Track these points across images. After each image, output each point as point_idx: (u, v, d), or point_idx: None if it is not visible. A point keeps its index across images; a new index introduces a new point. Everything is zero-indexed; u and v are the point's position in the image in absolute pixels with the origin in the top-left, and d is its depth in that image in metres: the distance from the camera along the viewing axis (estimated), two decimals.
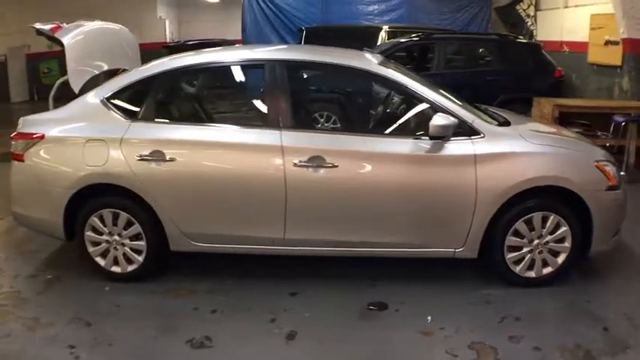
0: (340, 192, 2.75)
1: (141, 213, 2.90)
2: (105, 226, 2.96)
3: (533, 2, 9.17)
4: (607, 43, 6.69)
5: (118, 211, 2.93)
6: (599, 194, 2.72)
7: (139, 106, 2.95)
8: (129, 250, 2.99)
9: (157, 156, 2.79)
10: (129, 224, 2.95)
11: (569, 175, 2.71)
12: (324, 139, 2.80)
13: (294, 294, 2.92)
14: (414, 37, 6.81)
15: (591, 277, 3.01)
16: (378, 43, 8.08)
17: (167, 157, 2.79)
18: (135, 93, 2.99)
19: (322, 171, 2.71)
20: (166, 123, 2.99)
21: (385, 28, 8.65)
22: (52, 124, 3.00)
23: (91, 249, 3.01)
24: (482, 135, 2.73)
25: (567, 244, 2.80)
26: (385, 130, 3.01)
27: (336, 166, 2.70)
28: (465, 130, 2.71)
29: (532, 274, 2.86)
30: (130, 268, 3.02)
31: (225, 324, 2.64)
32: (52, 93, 3.34)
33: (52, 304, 2.87)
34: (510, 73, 6.17)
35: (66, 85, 3.24)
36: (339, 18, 9.51)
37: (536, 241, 2.81)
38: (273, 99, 2.81)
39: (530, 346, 2.41)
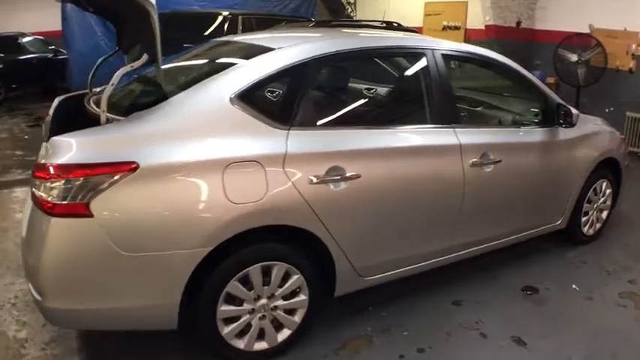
0: (502, 187, 2.75)
1: (302, 258, 2.11)
2: (251, 289, 2.00)
3: None
4: (445, 28, 8.03)
5: (274, 263, 2.02)
6: (623, 160, 3.49)
7: (288, 107, 2.11)
8: (282, 313, 2.12)
9: (337, 174, 2.06)
10: (284, 278, 2.15)
11: (616, 147, 3.40)
12: (489, 135, 2.69)
13: (458, 303, 2.79)
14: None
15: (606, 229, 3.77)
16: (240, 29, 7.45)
17: (350, 175, 2.08)
18: (277, 88, 2.09)
19: (491, 167, 2.58)
20: (333, 128, 2.23)
21: (241, 15, 8.01)
22: (144, 145, 1.83)
23: (225, 330, 2.00)
24: None
25: (609, 202, 3.48)
26: (521, 121, 3.01)
27: (500, 161, 2.60)
28: None
29: (591, 231, 3.48)
30: (282, 337, 2.23)
31: (448, 355, 2.34)
32: (110, 90, 1.91)
33: None
34: None
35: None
36: (172, 4, 8.24)
37: (595, 205, 3.38)
38: (442, 93, 2.45)
39: None
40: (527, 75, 2.96)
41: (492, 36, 6.95)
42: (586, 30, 6.08)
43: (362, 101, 2.60)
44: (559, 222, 3.22)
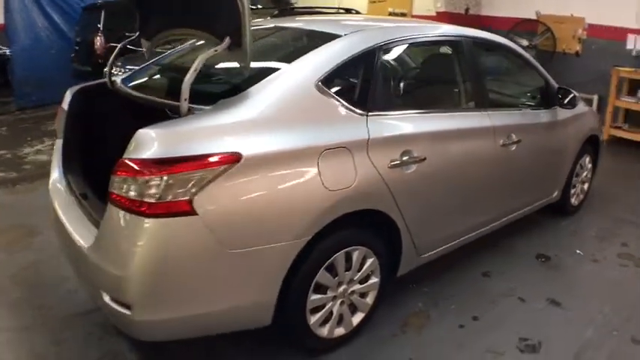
0: (521, 164, 3.03)
1: (377, 241, 2.22)
2: (335, 276, 2.06)
3: None
4: (391, 14, 8.21)
5: (356, 248, 2.12)
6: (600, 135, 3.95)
7: (365, 92, 2.18)
8: (357, 297, 2.23)
9: (409, 157, 2.21)
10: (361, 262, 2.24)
11: (597, 125, 3.80)
12: (510, 116, 2.96)
13: (486, 274, 3.04)
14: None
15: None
16: None
17: (418, 157, 2.22)
18: (353, 73, 2.19)
19: (514, 147, 2.83)
20: (401, 112, 2.34)
21: None
22: (242, 134, 1.77)
23: (312, 320, 2.06)
24: None
25: (589, 175, 3.92)
26: (530, 102, 3.26)
27: (520, 141, 2.85)
28: None
29: (576, 202, 3.92)
30: (356, 320, 2.31)
31: (501, 320, 2.55)
32: (192, 77, 1.79)
33: None
34: None
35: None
36: None
37: (580, 178, 3.80)
38: (478, 77, 2.68)
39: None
40: (531, 59, 3.22)
41: (444, 22, 7.32)
42: (531, 16, 6.63)
43: (421, 86, 2.70)
44: (555, 194, 3.58)
